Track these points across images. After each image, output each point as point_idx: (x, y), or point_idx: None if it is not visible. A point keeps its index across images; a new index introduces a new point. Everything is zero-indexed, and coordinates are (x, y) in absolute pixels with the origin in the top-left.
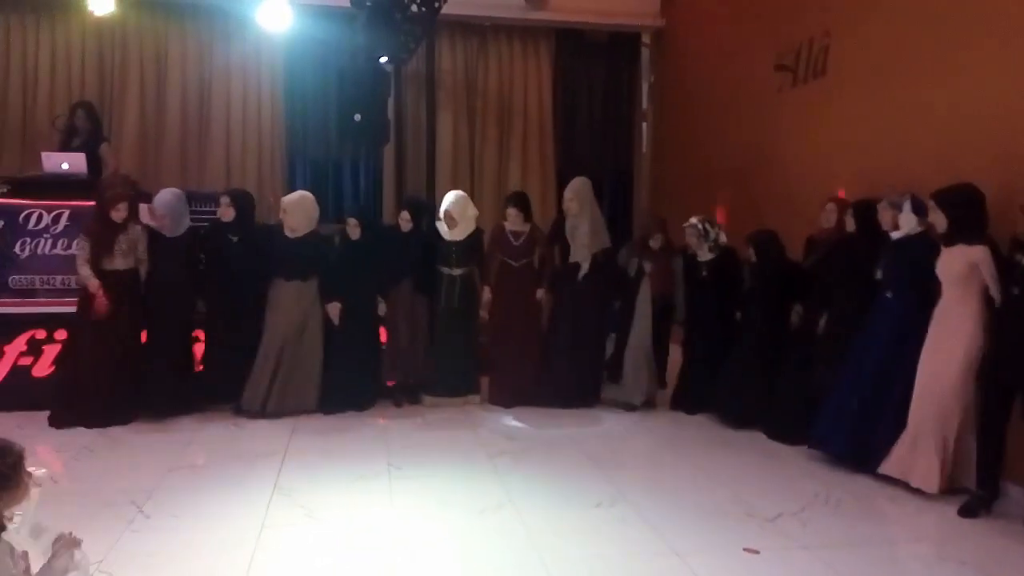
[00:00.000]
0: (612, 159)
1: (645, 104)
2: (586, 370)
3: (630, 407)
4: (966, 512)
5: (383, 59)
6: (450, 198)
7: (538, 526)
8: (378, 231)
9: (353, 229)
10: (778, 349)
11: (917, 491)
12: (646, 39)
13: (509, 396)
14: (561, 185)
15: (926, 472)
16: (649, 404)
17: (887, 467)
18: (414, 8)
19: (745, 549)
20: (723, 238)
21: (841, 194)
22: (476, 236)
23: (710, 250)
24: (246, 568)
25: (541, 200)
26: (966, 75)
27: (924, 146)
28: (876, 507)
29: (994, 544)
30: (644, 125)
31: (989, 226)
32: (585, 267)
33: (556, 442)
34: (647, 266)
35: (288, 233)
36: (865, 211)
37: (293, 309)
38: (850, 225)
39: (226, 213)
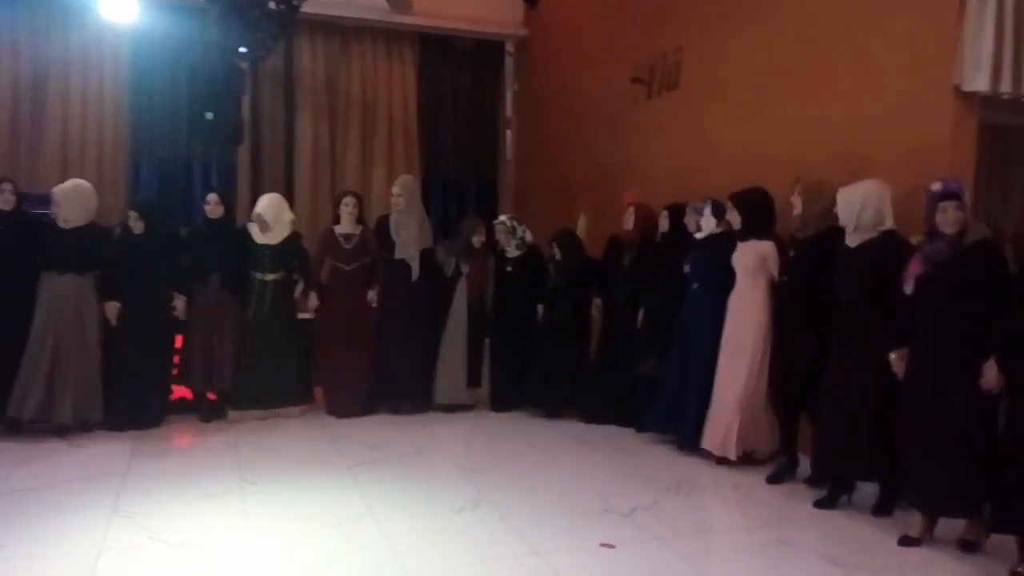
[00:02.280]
0: (477, 167)
1: (509, 112)
2: (420, 373)
3: (448, 408)
4: (774, 479)
5: (241, 51)
6: (264, 201)
7: (399, 534)
8: (165, 226)
9: (135, 222)
10: (584, 340)
11: (761, 478)
12: (510, 48)
13: (345, 405)
14: (427, 191)
15: (726, 441)
16: (467, 405)
17: (706, 442)
18: (272, 5)
19: (602, 544)
20: (529, 236)
21: (630, 198)
22: (293, 240)
23: (517, 247)
24: None
25: None
26: (805, 89)
27: (767, 154)
28: (722, 496)
29: (829, 525)
30: (508, 133)
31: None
32: (415, 266)
33: (417, 449)
34: (464, 267)
35: (61, 224)
36: (676, 213)
37: (66, 305)
38: (664, 226)
39: (7, 201)
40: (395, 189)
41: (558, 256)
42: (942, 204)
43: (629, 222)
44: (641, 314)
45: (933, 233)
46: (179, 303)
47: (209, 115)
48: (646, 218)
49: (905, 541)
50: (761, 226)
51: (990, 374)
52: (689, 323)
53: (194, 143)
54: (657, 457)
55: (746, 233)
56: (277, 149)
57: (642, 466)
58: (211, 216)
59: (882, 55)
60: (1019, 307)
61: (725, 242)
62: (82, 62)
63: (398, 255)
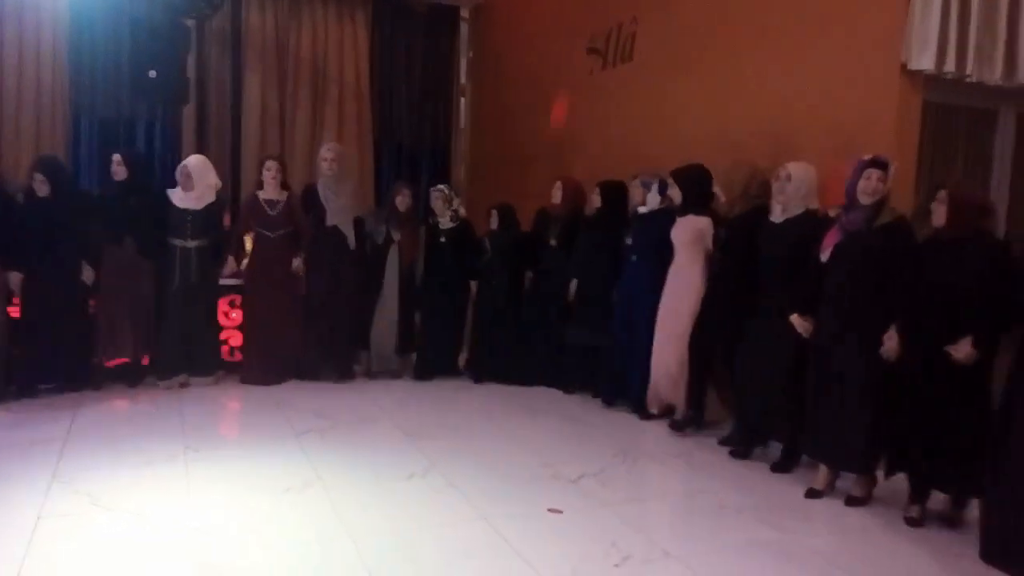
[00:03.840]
0: (431, 133)
1: (464, 79)
2: (349, 341)
3: (374, 375)
4: (676, 427)
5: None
6: (190, 161)
7: (348, 502)
8: (73, 187)
9: (40, 185)
10: (518, 311)
11: (707, 448)
12: (465, 14)
13: (262, 373)
14: (379, 157)
15: (677, 404)
16: (394, 372)
17: (650, 406)
18: None
19: (550, 510)
20: (462, 210)
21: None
22: (216, 206)
23: (451, 219)
24: (20, 562)
25: (360, 170)
26: (756, 65)
27: (720, 127)
28: (667, 462)
29: (768, 489)
30: (463, 100)
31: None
32: (350, 234)
33: (363, 417)
34: (396, 234)
35: None
36: (610, 190)
37: None
38: (596, 202)
39: None
40: (326, 154)
41: (495, 225)
42: (867, 171)
43: (557, 196)
44: (573, 285)
45: (851, 204)
46: (87, 273)
47: (152, 73)
48: (574, 193)
49: (810, 493)
50: (699, 202)
51: (891, 343)
52: (630, 295)
53: (137, 102)
54: (603, 424)
55: (685, 208)
56: (224, 110)
57: (589, 433)
58: (116, 178)
59: (833, 33)
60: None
61: (665, 217)
62: (16, 16)
63: (329, 222)
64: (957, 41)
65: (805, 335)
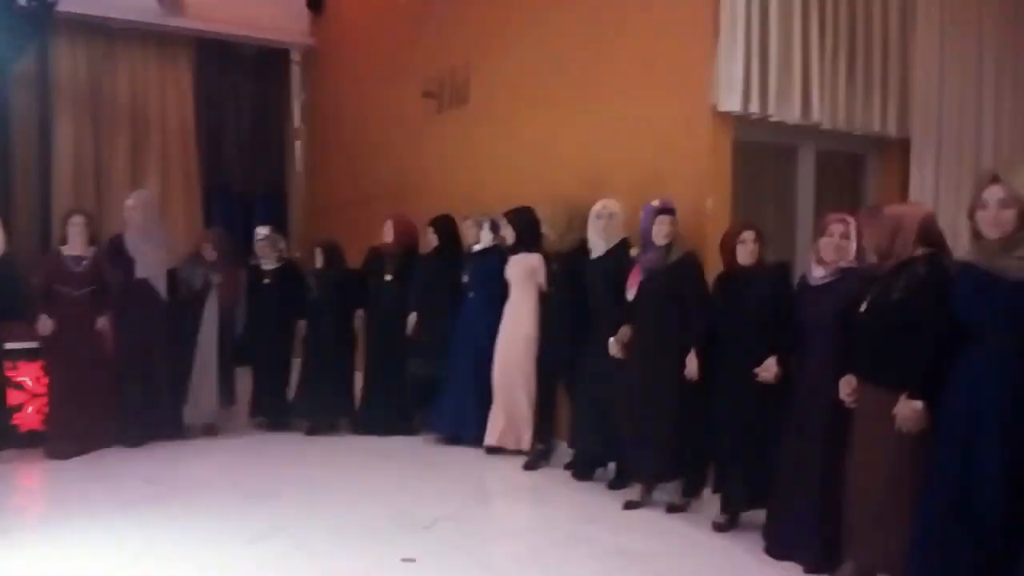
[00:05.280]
0: (265, 178)
1: (298, 123)
2: (165, 398)
3: (210, 429)
4: (529, 466)
5: None
6: None
7: (184, 572)
8: None
9: None
10: (351, 350)
11: (555, 478)
12: (296, 56)
13: (76, 443)
14: (209, 203)
15: (519, 436)
16: (219, 426)
17: (489, 440)
18: (23, 1)
19: (403, 559)
20: (287, 250)
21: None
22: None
23: (277, 259)
24: None
25: (186, 218)
26: (582, 108)
27: (550, 169)
28: (520, 497)
29: (623, 519)
30: (297, 144)
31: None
32: (162, 286)
33: (201, 478)
34: (215, 278)
35: None
36: (443, 225)
37: None
38: (432, 240)
39: None
40: (129, 203)
41: (320, 263)
42: (659, 217)
43: (389, 234)
44: (413, 320)
45: (648, 245)
46: None
47: None
48: (405, 230)
49: (629, 505)
50: (530, 240)
51: (691, 365)
52: (469, 330)
53: None
54: (456, 465)
55: (517, 247)
56: (31, 155)
57: (443, 475)
58: None
59: (651, 78)
60: (713, 309)
61: (498, 254)
62: None
63: (139, 274)
64: (759, 83)
65: (618, 355)
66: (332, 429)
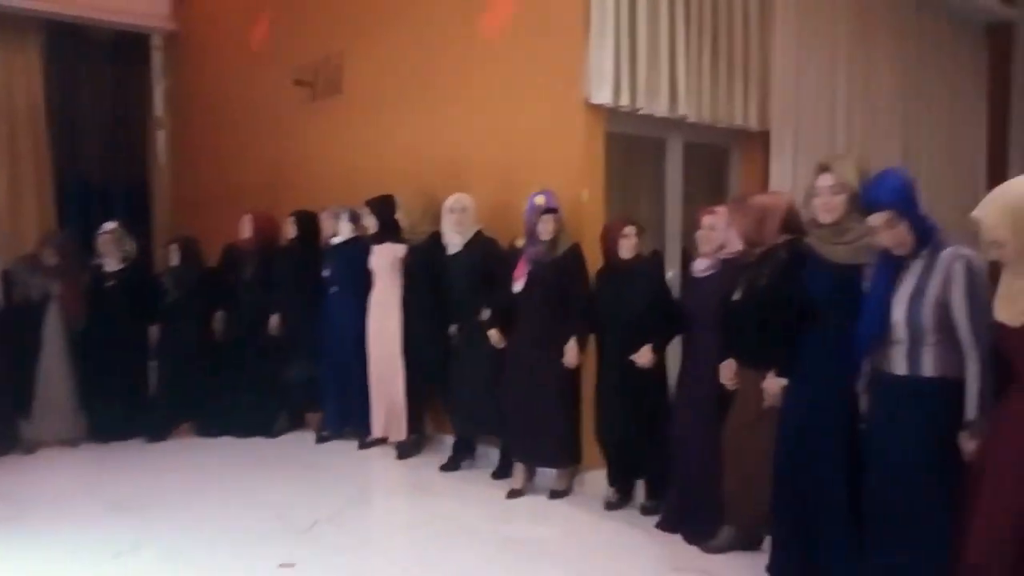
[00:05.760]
0: (125, 169)
1: (160, 111)
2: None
3: (71, 442)
4: (403, 455)
5: None
6: None
7: None
8: None
9: None
10: (212, 352)
11: (432, 469)
12: (157, 41)
13: None
14: (61, 197)
15: (395, 426)
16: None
17: (375, 433)
18: None
19: (281, 565)
20: (134, 250)
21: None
22: None
23: (122, 260)
24: None
25: (39, 214)
26: (456, 99)
27: (424, 160)
28: (402, 493)
29: (506, 507)
30: (161, 134)
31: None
32: None
33: (61, 492)
34: (55, 287)
35: None
36: (304, 220)
37: None
38: (291, 232)
39: None
40: None
41: (175, 261)
42: (544, 216)
43: (247, 230)
44: (275, 320)
45: (533, 239)
46: None
47: None
48: (264, 226)
49: (512, 494)
50: (394, 230)
51: (571, 353)
52: (334, 325)
53: None
54: (334, 465)
55: (381, 236)
56: None
57: (321, 475)
58: None
59: (523, 70)
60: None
61: (360, 246)
62: None
63: None
64: (629, 76)
65: (498, 346)
66: (181, 432)
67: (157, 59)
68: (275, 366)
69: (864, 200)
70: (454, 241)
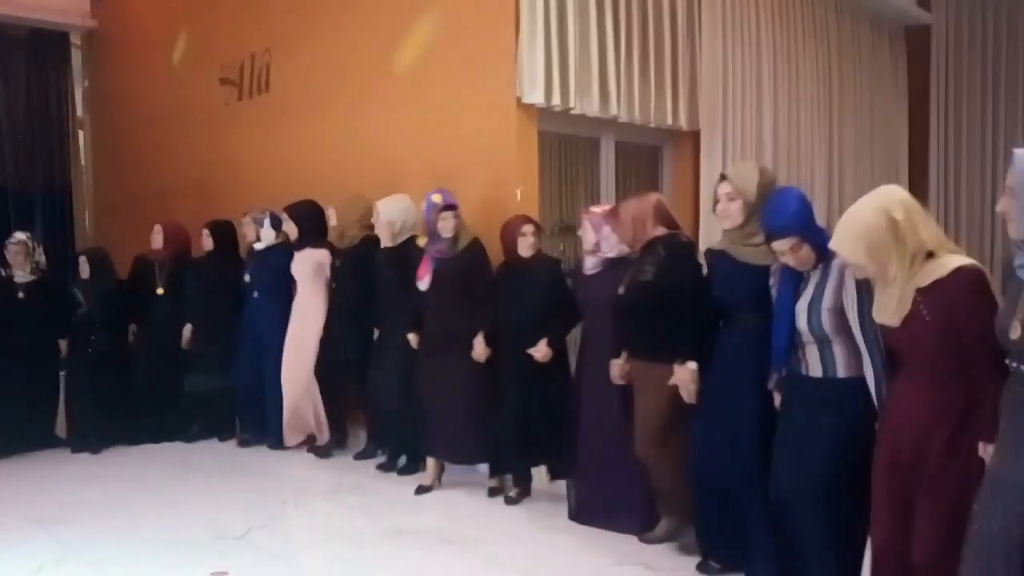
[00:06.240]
0: (44, 171)
1: (81, 112)
2: None
3: None
4: (322, 453)
5: None
6: None
7: None
8: None
9: None
10: (125, 365)
11: (357, 470)
12: (76, 39)
13: None
14: None
15: (313, 430)
16: None
17: (288, 441)
18: None
19: (213, 574)
20: (44, 261)
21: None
22: None
23: (32, 271)
24: None
25: None
26: (387, 100)
27: (353, 162)
28: (336, 498)
29: (443, 508)
30: (82, 135)
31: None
32: None
33: None
34: None
35: None
36: (219, 231)
37: None
38: (208, 245)
39: None
40: None
41: (85, 273)
42: (444, 214)
43: (158, 241)
44: (187, 332)
45: (434, 237)
46: None
47: None
48: (175, 236)
49: (420, 490)
50: (315, 235)
51: (479, 348)
52: (256, 331)
53: None
54: (265, 469)
55: (302, 242)
56: None
57: (252, 482)
58: None
59: (456, 70)
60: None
61: (282, 251)
62: None
63: None
64: (560, 77)
65: (416, 347)
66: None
67: (77, 58)
68: (189, 377)
69: (767, 226)
70: (385, 238)
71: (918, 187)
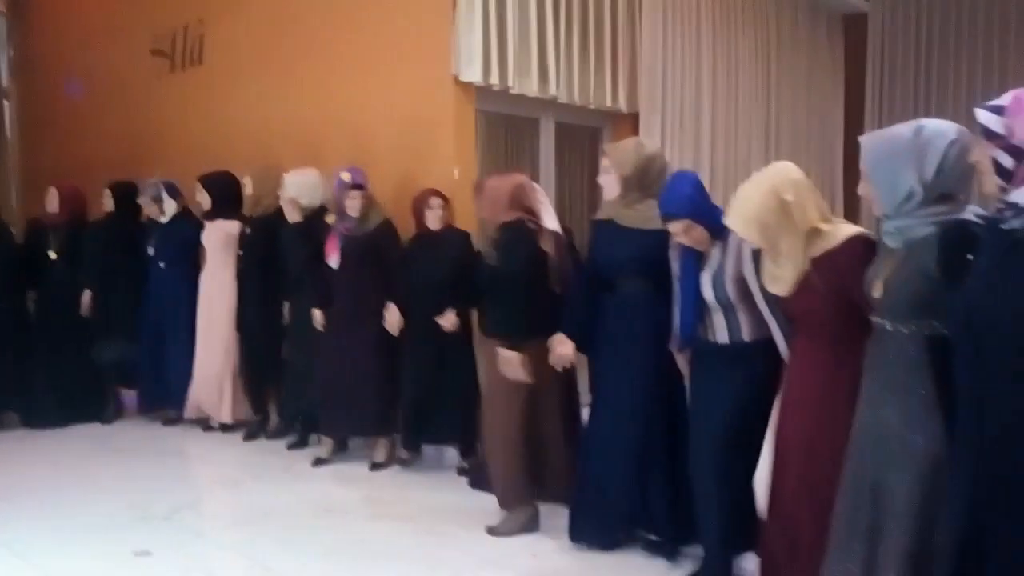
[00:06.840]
0: None
1: (6, 81)
2: None
3: None
4: (249, 437)
5: None
6: None
7: None
8: None
9: None
10: (26, 336)
11: (279, 452)
12: (1, 7)
13: None
14: None
15: (227, 409)
16: None
17: (188, 412)
18: None
19: (136, 553)
20: None
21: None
22: None
23: None
24: None
25: None
26: (320, 74)
27: (286, 135)
28: (266, 477)
29: (371, 485)
30: (7, 105)
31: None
32: None
33: None
34: None
35: None
36: (121, 192)
37: None
38: (109, 205)
39: None
40: None
41: None
42: (351, 192)
43: (53, 204)
44: (86, 299)
45: (343, 215)
46: None
47: None
48: (73, 200)
49: (316, 462)
50: (228, 206)
51: (391, 317)
52: (160, 303)
53: None
54: (195, 449)
55: (214, 214)
56: None
57: (179, 462)
58: None
59: (392, 44)
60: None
61: (190, 222)
62: None
63: None
64: (498, 55)
65: (320, 327)
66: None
67: (1, 25)
68: (89, 346)
69: (661, 209)
70: (292, 213)
71: (852, 170)
